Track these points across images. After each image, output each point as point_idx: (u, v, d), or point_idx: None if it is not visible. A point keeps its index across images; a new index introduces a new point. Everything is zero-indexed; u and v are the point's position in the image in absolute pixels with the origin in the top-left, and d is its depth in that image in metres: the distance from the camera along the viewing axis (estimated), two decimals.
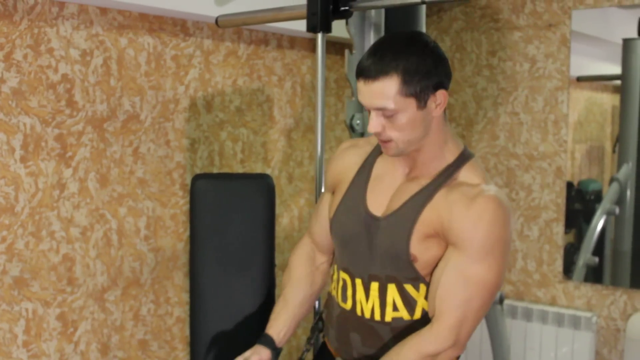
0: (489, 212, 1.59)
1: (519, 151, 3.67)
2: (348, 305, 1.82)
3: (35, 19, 2.28)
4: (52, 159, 2.36)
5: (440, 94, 1.62)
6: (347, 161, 1.88)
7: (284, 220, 3.30)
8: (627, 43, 3.27)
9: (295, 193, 3.37)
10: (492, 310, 3.34)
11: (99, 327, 2.57)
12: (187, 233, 2.81)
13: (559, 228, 3.58)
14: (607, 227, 3.40)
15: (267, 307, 2.05)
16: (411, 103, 1.59)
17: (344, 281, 1.83)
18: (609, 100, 3.40)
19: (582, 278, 3.50)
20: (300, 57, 3.33)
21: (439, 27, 3.89)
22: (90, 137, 2.47)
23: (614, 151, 3.39)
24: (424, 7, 2.68)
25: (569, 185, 3.54)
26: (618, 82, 3.32)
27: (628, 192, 3.33)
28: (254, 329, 2.09)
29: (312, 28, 2.23)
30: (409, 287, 1.72)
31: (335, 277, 1.89)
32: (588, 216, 3.46)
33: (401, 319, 1.74)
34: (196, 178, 2.34)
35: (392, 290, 1.73)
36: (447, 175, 1.69)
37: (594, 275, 3.46)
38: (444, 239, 1.66)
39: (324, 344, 2.02)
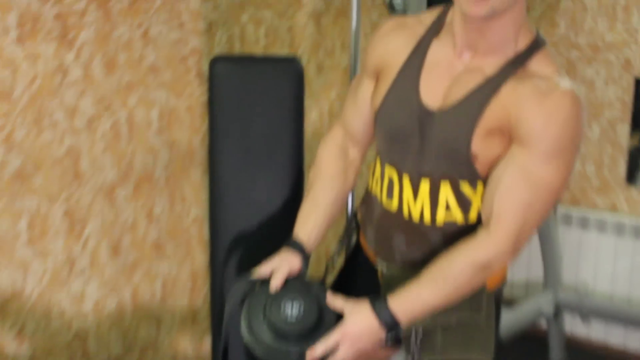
0: (563, 110, 1.58)
1: (581, 41, 3.59)
2: (393, 205, 1.82)
3: None
4: (51, 40, 2.34)
5: None
6: (393, 43, 1.82)
7: (313, 115, 3.29)
8: None
9: (325, 85, 3.34)
10: None
11: (109, 226, 2.61)
12: (205, 127, 2.81)
13: (623, 129, 3.53)
14: None
15: (295, 207, 2.02)
16: None
17: (390, 178, 1.82)
18: None
19: None
20: None
21: None
22: (94, 17, 2.44)
23: None
24: None
25: (638, 81, 3.45)
26: None
27: None
28: (279, 230, 2.06)
29: None
30: (464, 186, 1.72)
31: (378, 172, 1.87)
32: None
33: (454, 222, 1.75)
34: (215, 61, 2.31)
35: (445, 190, 1.73)
36: (516, 65, 1.66)
37: None
38: (510, 137, 1.65)
39: (358, 246, 2.03)
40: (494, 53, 1.66)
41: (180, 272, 2.88)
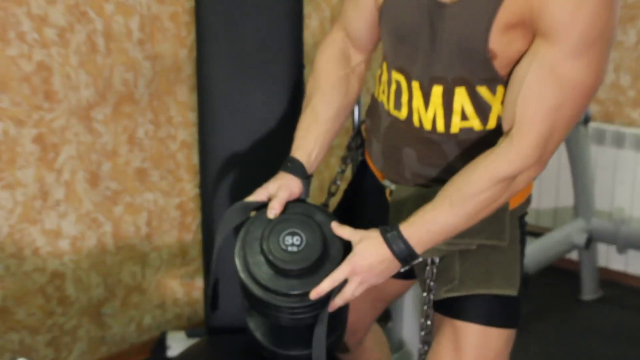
0: None
1: None
2: (402, 114, 1.79)
3: None
4: None
5: None
6: None
7: (312, 22, 3.27)
8: None
9: None
10: (575, 133, 3.34)
11: (86, 152, 2.60)
12: (192, 37, 2.80)
13: None
14: None
15: (294, 123, 1.98)
16: None
17: (398, 84, 1.79)
18: None
19: None
20: None
21: None
22: None
23: None
24: None
25: None
26: None
27: None
28: (278, 154, 1.98)
29: None
30: (482, 90, 1.69)
31: (384, 78, 1.84)
32: None
33: (471, 129, 1.72)
34: None
35: (460, 95, 1.70)
36: None
37: None
38: (533, 31, 1.61)
39: (363, 164, 2.02)
40: None
41: (167, 204, 2.88)
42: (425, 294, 1.82)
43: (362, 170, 2.02)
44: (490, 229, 1.77)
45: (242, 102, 2.35)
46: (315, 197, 3.08)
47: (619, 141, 3.58)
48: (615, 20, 1.57)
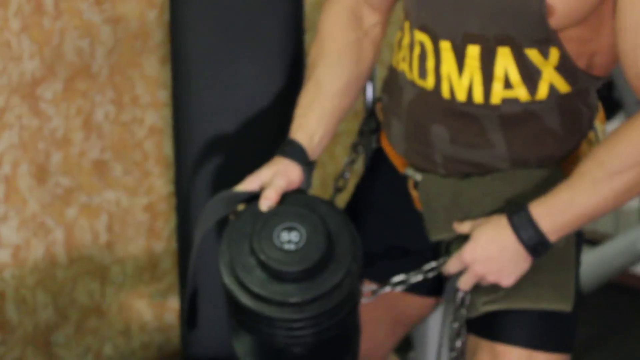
0: None
1: None
2: (429, 83, 1.81)
3: None
4: None
5: None
6: None
7: None
8: None
9: None
10: None
11: (31, 139, 2.59)
12: None
13: None
14: None
15: (292, 102, 2.04)
16: None
17: (422, 46, 1.80)
18: None
19: None
20: None
21: None
22: None
23: None
24: None
25: None
26: None
27: None
28: (271, 142, 2.04)
29: None
30: (532, 53, 1.71)
31: (406, 41, 1.86)
32: None
33: (516, 100, 1.74)
34: None
35: (504, 57, 1.72)
36: None
37: None
38: None
39: (379, 153, 2.04)
40: None
41: (132, 204, 2.86)
42: (455, 308, 1.83)
43: (377, 161, 2.06)
44: None
45: (226, 77, 2.36)
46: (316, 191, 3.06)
47: None
48: None
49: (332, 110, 1.88)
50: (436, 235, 1.86)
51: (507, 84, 1.74)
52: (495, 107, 1.75)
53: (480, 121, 1.77)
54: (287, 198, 1.77)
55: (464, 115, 1.78)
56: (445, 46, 1.76)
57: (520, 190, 1.78)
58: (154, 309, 2.97)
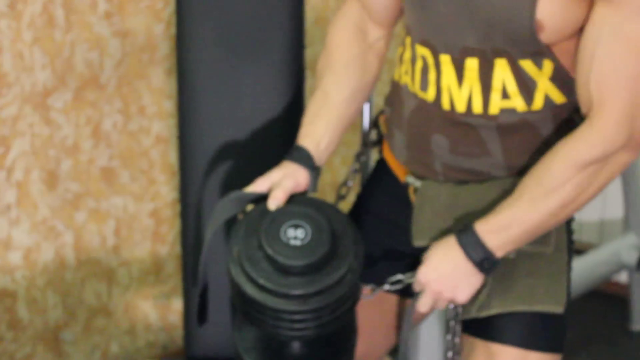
0: None
1: None
2: (430, 95, 1.82)
3: None
4: None
5: None
6: None
7: None
8: None
9: None
10: None
11: (42, 147, 2.59)
12: (170, 9, 2.78)
13: None
14: None
15: (293, 118, 2.10)
16: None
17: (424, 60, 1.82)
18: None
19: None
20: None
21: None
22: None
23: None
24: None
25: None
26: None
27: None
28: (274, 152, 2.07)
29: None
30: (526, 64, 1.72)
31: (407, 55, 1.88)
32: None
33: (513, 110, 1.75)
34: None
35: (501, 69, 1.74)
36: None
37: None
38: None
39: (381, 163, 2.05)
40: None
41: (138, 210, 2.87)
42: (451, 307, 1.84)
43: (379, 171, 2.06)
44: None
45: (230, 89, 2.37)
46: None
47: None
48: None
49: (338, 118, 1.91)
50: (418, 242, 1.88)
51: (505, 95, 1.75)
52: (494, 117, 1.76)
53: (478, 131, 1.78)
54: (294, 199, 1.80)
55: (463, 125, 1.79)
56: (445, 59, 1.78)
57: None
58: (159, 310, 2.98)
